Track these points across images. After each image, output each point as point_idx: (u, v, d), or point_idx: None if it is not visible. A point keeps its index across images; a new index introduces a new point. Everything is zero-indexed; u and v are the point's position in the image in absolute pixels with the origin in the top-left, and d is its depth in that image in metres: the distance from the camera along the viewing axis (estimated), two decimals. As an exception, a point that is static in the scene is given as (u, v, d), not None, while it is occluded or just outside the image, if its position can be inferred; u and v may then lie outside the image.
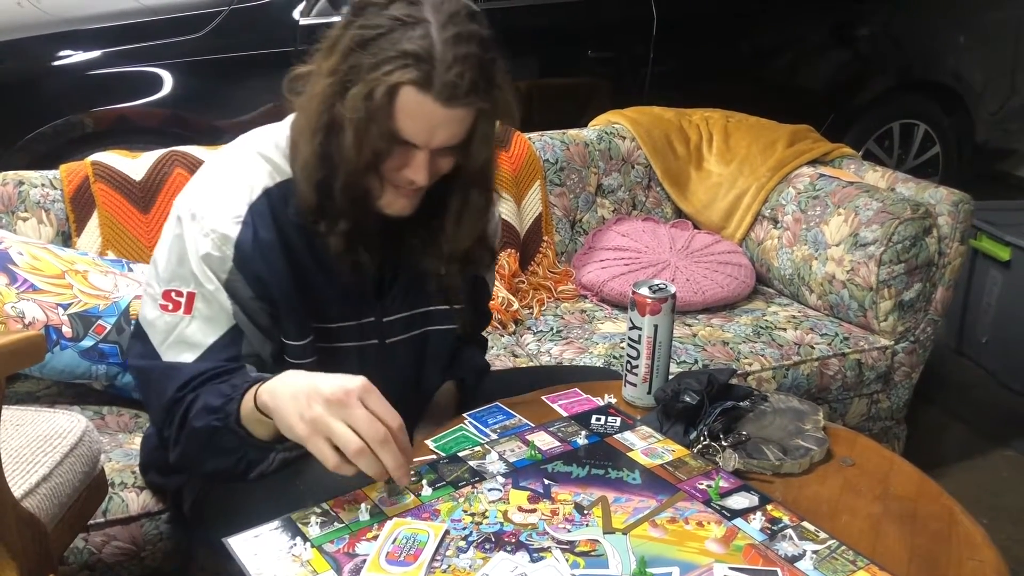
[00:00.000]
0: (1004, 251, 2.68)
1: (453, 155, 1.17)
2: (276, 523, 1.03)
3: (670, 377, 1.34)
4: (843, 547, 1.02)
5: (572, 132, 2.45)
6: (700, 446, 1.21)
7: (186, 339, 1.19)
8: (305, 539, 1.00)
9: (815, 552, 1.00)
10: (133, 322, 1.67)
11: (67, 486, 1.25)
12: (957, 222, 2.15)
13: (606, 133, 2.48)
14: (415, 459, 1.13)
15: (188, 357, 1.18)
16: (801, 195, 2.32)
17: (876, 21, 3.49)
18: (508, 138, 2.30)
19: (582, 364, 1.94)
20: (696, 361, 1.96)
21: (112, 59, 2.52)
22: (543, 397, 1.35)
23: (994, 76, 3.80)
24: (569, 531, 1.03)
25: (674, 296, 1.31)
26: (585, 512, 1.06)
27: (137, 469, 1.52)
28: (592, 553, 0.99)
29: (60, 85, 2.50)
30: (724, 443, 1.20)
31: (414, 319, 1.34)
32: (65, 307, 1.64)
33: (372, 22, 1.09)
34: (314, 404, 1.01)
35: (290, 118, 1.24)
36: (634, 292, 1.31)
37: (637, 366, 1.33)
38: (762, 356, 2.00)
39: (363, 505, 1.05)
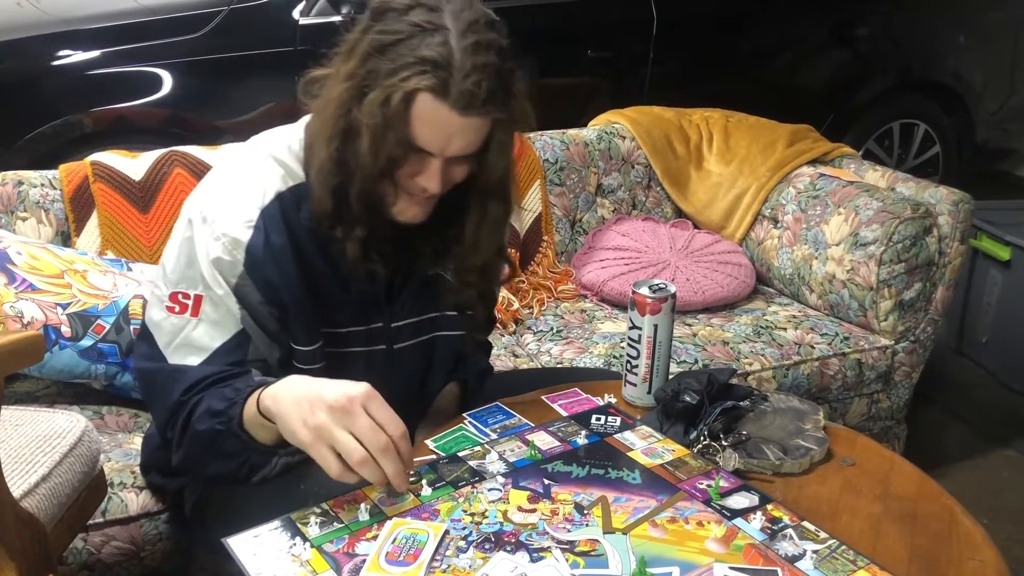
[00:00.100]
0: (1004, 251, 2.68)
1: (468, 164, 1.17)
2: (276, 523, 1.02)
3: (670, 377, 1.33)
4: (843, 547, 1.02)
5: (572, 132, 2.45)
6: (700, 446, 1.21)
7: (192, 342, 1.18)
8: (305, 539, 1.00)
9: (815, 552, 1.00)
10: (136, 323, 1.68)
11: (66, 486, 1.25)
12: (957, 222, 2.15)
13: (606, 133, 2.48)
14: (415, 459, 1.13)
15: (194, 360, 1.18)
16: (801, 195, 2.32)
17: (876, 21, 3.49)
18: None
19: (582, 363, 1.94)
20: (696, 361, 1.96)
21: (111, 59, 2.51)
22: (543, 397, 1.35)
23: (994, 76, 3.80)
24: (569, 531, 1.03)
25: (674, 296, 1.31)
26: (585, 512, 1.06)
27: (136, 469, 1.52)
28: (592, 553, 0.99)
29: (59, 85, 2.50)
30: (724, 443, 1.20)
31: (422, 325, 1.34)
32: (64, 307, 1.64)
33: (391, 27, 1.08)
34: (317, 411, 1.01)
35: (304, 120, 1.24)
36: (634, 292, 1.31)
37: (637, 366, 1.33)
38: (762, 356, 2.00)
39: (363, 505, 1.04)
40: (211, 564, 1.50)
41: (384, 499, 1.07)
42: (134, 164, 1.95)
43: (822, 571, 0.98)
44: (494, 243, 1.28)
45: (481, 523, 1.04)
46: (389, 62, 1.07)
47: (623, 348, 1.38)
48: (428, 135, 1.10)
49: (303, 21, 2.64)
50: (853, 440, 1.29)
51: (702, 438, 1.21)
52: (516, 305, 2.17)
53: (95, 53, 2.51)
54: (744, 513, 1.07)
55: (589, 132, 2.48)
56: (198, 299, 1.18)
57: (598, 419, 1.27)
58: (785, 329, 2.11)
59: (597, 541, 1.01)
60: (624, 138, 2.48)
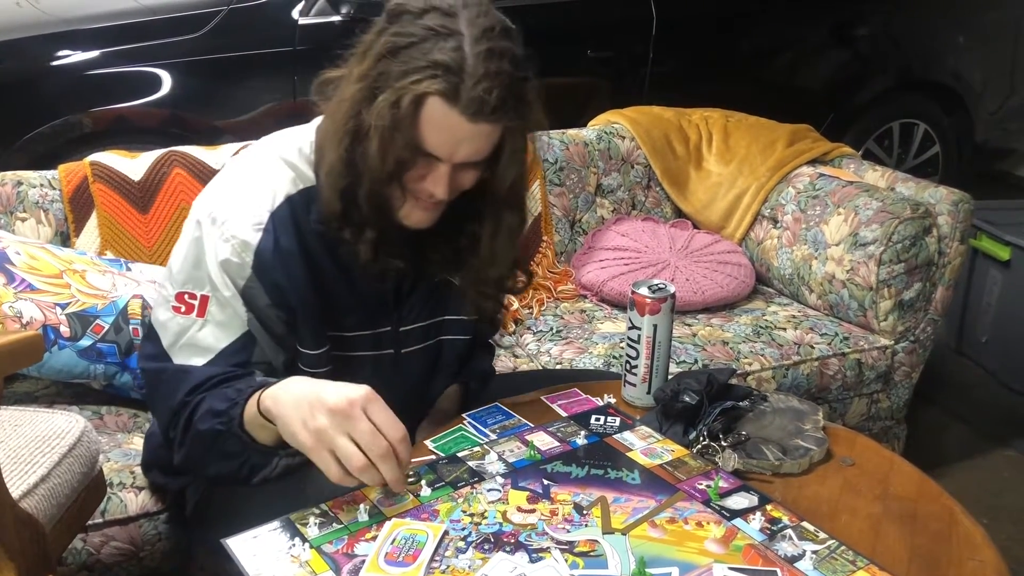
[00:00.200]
0: (1004, 251, 2.68)
1: (477, 171, 1.17)
2: (275, 524, 1.02)
3: (669, 377, 1.33)
4: (843, 547, 1.01)
5: (571, 132, 2.45)
6: (699, 446, 1.21)
7: (197, 343, 1.18)
8: (304, 540, 1.00)
9: (815, 552, 1.00)
10: (135, 322, 1.67)
11: (65, 487, 1.25)
12: (957, 221, 2.15)
13: (605, 133, 2.48)
14: (415, 460, 1.13)
15: (198, 361, 1.18)
16: (801, 195, 2.32)
17: (876, 21, 3.49)
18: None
19: (582, 363, 1.94)
20: (696, 361, 1.96)
21: (111, 59, 2.51)
22: (542, 397, 1.34)
23: (993, 76, 3.80)
24: (568, 531, 1.03)
25: (673, 296, 1.31)
26: (584, 512, 1.06)
27: (136, 469, 1.52)
28: (591, 553, 0.99)
29: (59, 85, 2.50)
30: (723, 443, 1.20)
31: (429, 329, 1.34)
32: (63, 306, 1.64)
33: (406, 30, 1.08)
34: (318, 414, 1.01)
35: (315, 122, 1.24)
36: (633, 292, 1.31)
37: (636, 366, 1.33)
38: (762, 356, 2.00)
39: (362, 506, 1.04)
40: (211, 564, 1.50)
41: (383, 500, 1.07)
42: (133, 164, 1.94)
43: (821, 571, 0.98)
44: (510, 254, 1.28)
45: (480, 523, 1.03)
46: (401, 64, 1.07)
47: (623, 348, 1.38)
48: (436, 140, 1.10)
49: (302, 21, 2.64)
50: (853, 440, 1.29)
51: (701, 438, 1.21)
52: (516, 305, 2.16)
53: (95, 53, 2.51)
54: (743, 513, 1.07)
55: (589, 132, 2.48)
56: (204, 300, 1.17)
57: (597, 419, 1.27)
58: (785, 329, 2.11)
59: (596, 541, 1.01)
60: (624, 138, 2.48)
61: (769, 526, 1.05)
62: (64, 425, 1.31)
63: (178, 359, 1.19)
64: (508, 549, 0.99)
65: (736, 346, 2.02)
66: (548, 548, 1.00)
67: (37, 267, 1.66)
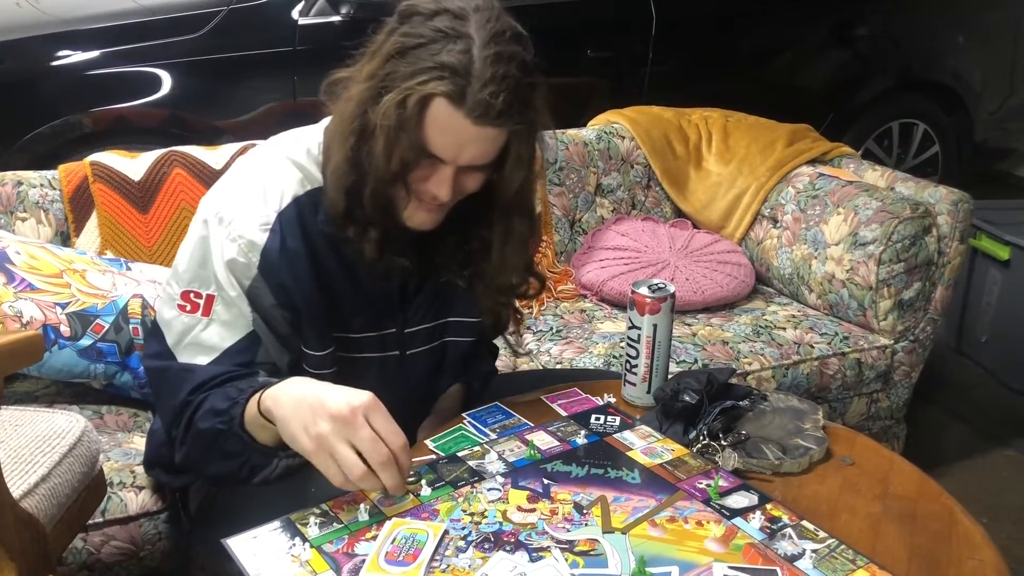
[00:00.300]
0: (1003, 250, 2.68)
1: (482, 175, 1.17)
2: (275, 524, 1.02)
3: (669, 376, 1.33)
4: (843, 546, 1.02)
5: (571, 132, 2.45)
6: (699, 445, 1.21)
7: (202, 342, 1.18)
8: (304, 539, 1.00)
9: (814, 551, 1.00)
10: (135, 322, 1.68)
11: (66, 486, 1.25)
12: (956, 221, 2.15)
13: (605, 133, 2.48)
14: (415, 459, 1.13)
15: (203, 360, 1.18)
16: (800, 194, 2.32)
17: (876, 21, 3.49)
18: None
19: (581, 363, 1.94)
20: (696, 360, 1.96)
21: (111, 59, 2.51)
22: (542, 397, 1.34)
23: (993, 76, 3.80)
24: (568, 531, 1.03)
25: (673, 296, 1.31)
26: (584, 511, 1.06)
27: (136, 469, 1.52)
28: (591, 553, 0.99)
29: (59, 85, 2.50)
30: (723, 442, 1.20)
31: (434, 330, 1.34)
32: (63, 306, 1.64)
33: (415, 31, 1.08)
34: (319, 419, 1.01)
35: (323, 122, 1.24)
36: (633, 292, 1.31)
37: (636, 366, 1.33)
38: (762, 355, 2.00)
39: (362, 505, 1.04)
40: (211, 564, 1.50)
41: (383, 499, 1.07)
42: (133, 164, 1.95)
43: (821, 570, 0.98)
44: (521, 260, 1.28)
45: (480, 523, 1.04)
46: (409, 65, 1.07)
47: (622, 348, 1.38)
48: (441, 141, 1.10)
49: (302, 21, 2.64)
50: (852, 440, 1.29)
51: (701, 438, 1.21)
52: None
53: (94, 53, 2.51)
54: (743, 512, 1.07)
55: (588, 132, 2.48)
56: (210, 299, 1.18)
57: (597, 419, 1.27)
58: (784, 329, 2.11)
59: (596, 541, 1.01)
60: (623, 138, 2.48)
61: (769, 525, 1.05)
62: (64, 425, 1.31)
63: (182, 358, 1.19)
64: (508, 548, 0.99)
65: (736, 346, 2.02)
66: (548, 547, 1.00)
67: (37, 267, 1.66)
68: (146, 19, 2.60)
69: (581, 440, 1.21)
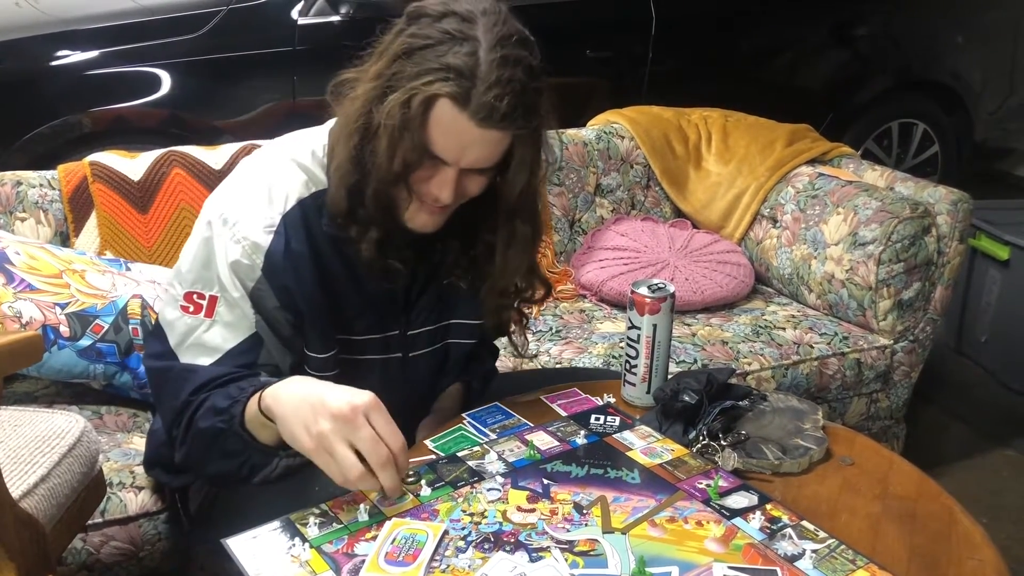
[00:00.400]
0: (1003, 250, 2.68)
1: (485, 178, 1.17)
2: (275, 524, 1.02)
3: (669, 377, 1.33)
4: (842, 546, 1.01)
5: (571, 132, 2.45)
6: (699, 445, 1.21)
7: (204, 343, 1.18)
8: (304, 540, 1.00)
9: (814, 551, 1.00)
10: (135, 322, 1.67)
11: (65, 487, 1.25)
12: (956, 221, 2.15)
13: (605, 133, 2.48)
14: (414, 459, 1.13)
15: (205, 360, 1.18)
16: (800, 194, 2.32)
17: (876, 21, 3.49)
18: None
19: (581, 363, 1.94)
20: (695, 361, 1.96)
21: (110, 59, 2.51)
22: (542, 397, 1.34)
23: (993, 75, 3.80)
24: (568, 531, 1.03)
25: (673, 296, 1.31)
26: (584, 512, 1.06)
27: (135, 469, 1.52)
28: (591, 553, 0.99)
29: (58, 85, 2.50)
30: (723, 442, 1.20)
31: (436, 333, 1.35)
32: (63, 306, 1.64)
33: (423, 32, 1.09)
34: (320, 419, 1.01)
35: (328, 124, 1.24)
36: (633, 292, 1.31)
37: (636, 366, 1.33)
38: (761, 355, 2.00)
39: (362, 505, 1.04)
40: (211, 564, 1.50)
41: (383, 499, 1.07)
42: (133, 164, 1.94)
43: (821, 570, 0.98)
44: (524, 264, 1.28)
45: (480, 523, 1.03)
46: (415, 65, 1.07)
47: (622, 348, 1.38)
48: (444, 142, 1.10)
49: (302, 21, 2.64)
50: (852, 440, 1.29)
51: (701, 438, 1.21)
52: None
53: (94, 53, 2.51)
54: (743, 513, 1.07)
55: (588, 132, 2.48)
56: (213, 300, 1.17)
57: (597, 419, 1.27)
58: (784, 329, 2.11)
59: (596, 541, 1.01)
60: (623, 138, 2.48)
61: (769, 525, 1.05)
62: (64, 425, 1.31)
63: (185, 358, 1.19)
64: (508, 548, 0.99)
65: (736, 346, 2.02)
66: (548, 547, 1.00)
67: (37, 267, 1.66)
68: (145, 19, 2.60)
69: (581, 440, 1.21)
